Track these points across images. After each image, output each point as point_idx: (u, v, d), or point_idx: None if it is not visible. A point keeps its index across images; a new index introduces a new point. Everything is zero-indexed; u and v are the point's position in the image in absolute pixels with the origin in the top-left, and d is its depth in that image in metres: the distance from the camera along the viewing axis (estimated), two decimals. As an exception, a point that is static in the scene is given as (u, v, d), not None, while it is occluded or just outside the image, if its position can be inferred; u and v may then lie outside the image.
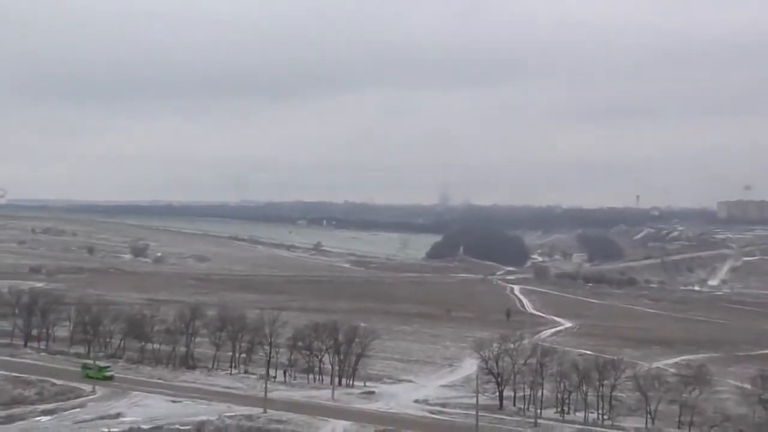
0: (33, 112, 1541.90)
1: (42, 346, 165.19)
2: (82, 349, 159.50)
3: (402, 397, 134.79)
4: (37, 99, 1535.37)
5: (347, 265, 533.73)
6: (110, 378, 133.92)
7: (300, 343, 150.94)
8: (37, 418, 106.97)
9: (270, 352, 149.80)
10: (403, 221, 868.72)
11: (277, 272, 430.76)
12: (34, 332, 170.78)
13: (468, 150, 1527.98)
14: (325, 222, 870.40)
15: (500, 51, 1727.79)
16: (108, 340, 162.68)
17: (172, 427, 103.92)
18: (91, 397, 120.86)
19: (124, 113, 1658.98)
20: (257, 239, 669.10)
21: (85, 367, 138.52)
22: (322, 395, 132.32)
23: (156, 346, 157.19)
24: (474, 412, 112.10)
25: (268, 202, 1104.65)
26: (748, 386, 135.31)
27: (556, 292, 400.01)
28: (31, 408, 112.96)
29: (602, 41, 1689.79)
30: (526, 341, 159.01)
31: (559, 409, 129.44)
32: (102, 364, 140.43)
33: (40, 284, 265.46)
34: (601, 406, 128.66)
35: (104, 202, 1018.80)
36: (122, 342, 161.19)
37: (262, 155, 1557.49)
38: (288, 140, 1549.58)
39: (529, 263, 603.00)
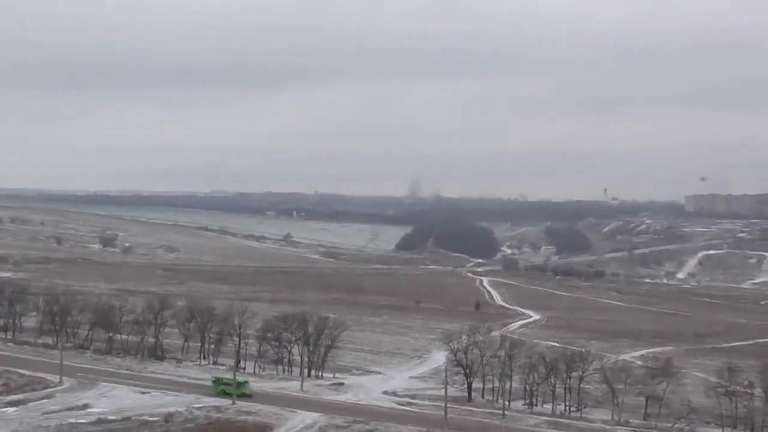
0: (1, 100, 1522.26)
1: (9, 337, 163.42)
2: (49, 340, 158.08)
3: (371, 388, 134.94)
4: (5, 86, 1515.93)
5: (317, 257, 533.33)
6: (249, 396, 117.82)
7: (269, 335, 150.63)
8: (4, 409, 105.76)
9: (239, 344, 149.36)
10: (373, 212, 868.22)
11: (247, 263, 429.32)
12: (1, 322, 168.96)
13: (439, 142, 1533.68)
14: (294, 213, 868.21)
15: (472, 43, 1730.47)
16: (76, 330, 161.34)
17: (140, 418, 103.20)
18: (58, 388, 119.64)
19: (96, 102, 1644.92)
20: (227, 230, 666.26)
21: (218, 381, 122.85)
22: (292, 386, 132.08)
23: (124, 336, 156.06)
24: (443, 404, 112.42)
25: (238, 193, 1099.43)
26: (713, 378, 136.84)
27: (524, 285, 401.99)
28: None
29: (572, 34, 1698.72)
30: (494, 333, 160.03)
31: (527, 401, 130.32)
32: (240, 378, 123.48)
33: (6, 274, 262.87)
34: (568, 397, 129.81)
35: (73, 191, 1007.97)
36: (90, 332, 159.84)
37: (234, 145, 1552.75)
38: (260, 131, 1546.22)
39: (498, 255, 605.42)
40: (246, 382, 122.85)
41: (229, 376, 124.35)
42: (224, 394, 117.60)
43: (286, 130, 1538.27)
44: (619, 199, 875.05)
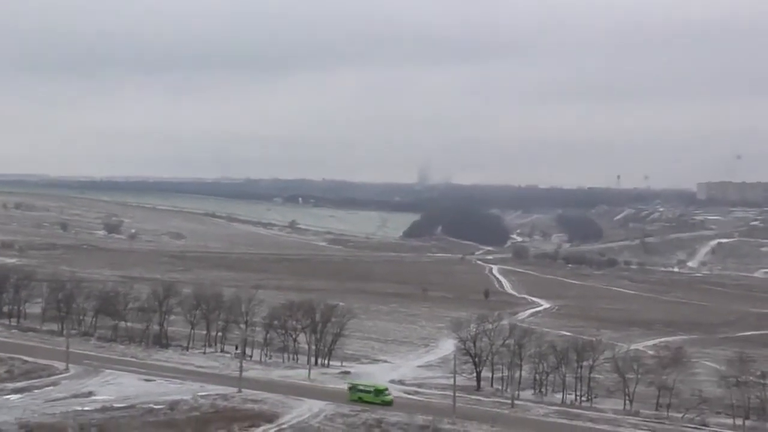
0: (7, 84, 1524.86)
1: (13, 323, 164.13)
2: (54, 327, 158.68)
3: (378, 377, 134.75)
4: (13, 71, 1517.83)
5: (324, 244, 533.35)
6: (390, 403, 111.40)
7: (276, 322, 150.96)
8: (7, 397, 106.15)
9: (246, 331, 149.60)
10: (381, 200, 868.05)
11: (254, 250, 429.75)
12: (5, 309, 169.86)
13: (450, 129, 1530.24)
14: (301, 200, 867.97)
15: (482, 30, 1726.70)
16: (81, 317, 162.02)
17: (145, 406, 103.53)
18: (63, 375, 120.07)
19: (103, 87, 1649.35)
20: (234, 216, 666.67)
21: (355, 388, 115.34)
22: (298, 375, 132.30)
23: (129, 324, 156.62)
24: (451, 393, 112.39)
25: (246, 179, 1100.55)
26: (725, 368, 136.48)
27: (535, 273, 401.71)
28: (1, 386, 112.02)
29: (586, 20, 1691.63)
30: (504, 322, 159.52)
31: (536, 390, 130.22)
32: (380, 385, 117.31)
33: (11, 260, 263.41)
34: (579, 387, 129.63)
35: (78, 177, 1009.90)
36: (95, 319, 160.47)
37: (241, 132, 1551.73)
38: (268, 117, 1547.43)
39: (508, 243, 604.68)
40: (386, 389, 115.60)
41: (366, 382, 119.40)
42: (361, 401, 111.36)
43: (295, 117, 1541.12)
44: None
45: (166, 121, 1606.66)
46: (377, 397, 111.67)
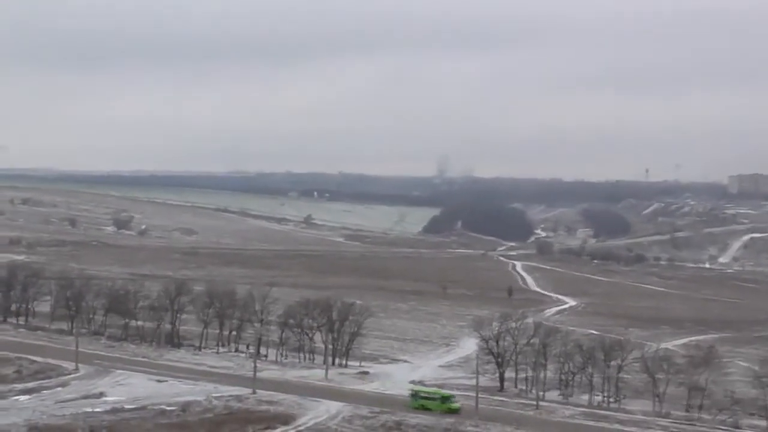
0: (12, 77, 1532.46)
1: (21, 322, 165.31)
2: (64, 326, 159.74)
3: (398, 377, 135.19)
4: (17, 64, 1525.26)
5: (341, 240, 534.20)
6: (457, 411, 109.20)
7: (291, 321, 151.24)
8: (16, 398, 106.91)
9: (260, 330, 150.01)
10: (400, 194, 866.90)
11: (268, 246, 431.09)
12: (13, 307, 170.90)
13: (469, 119, 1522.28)
14: (316, 194, 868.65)
15: (505, 15, 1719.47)
16: (90, 316, 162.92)
17: (156, 407, 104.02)
18: (72, 375, 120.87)
19: (109, 79, 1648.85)
20: (247, 211, 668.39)
21: (417, 395, 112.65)
22: (315, 375, 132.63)
23: (140, 323, 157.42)
24: (473, 394, 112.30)
25: (259, 173, 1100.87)
26: (759, 368, 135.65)
27: (560, 269, 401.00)
28: (9, 387, 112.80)
29: (614, 6, 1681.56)
30: (528, 320, 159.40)
31: (562, 392, 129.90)
32: (444, 392, 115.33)
33: (19, 257, 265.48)
34: (606, 388, 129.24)
35: (86, 171, 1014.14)
36: (105, 318, 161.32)
37: (254, 124, 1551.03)
38: (281, 108, 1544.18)
39: (532, 239, 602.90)
40: (452, 395, 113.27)
41: (429, 389, 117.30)
42: (424, 409, 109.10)
43: (309, 108, 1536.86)
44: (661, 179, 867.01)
45: (176, 114, 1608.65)
46: (443, 405, 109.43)
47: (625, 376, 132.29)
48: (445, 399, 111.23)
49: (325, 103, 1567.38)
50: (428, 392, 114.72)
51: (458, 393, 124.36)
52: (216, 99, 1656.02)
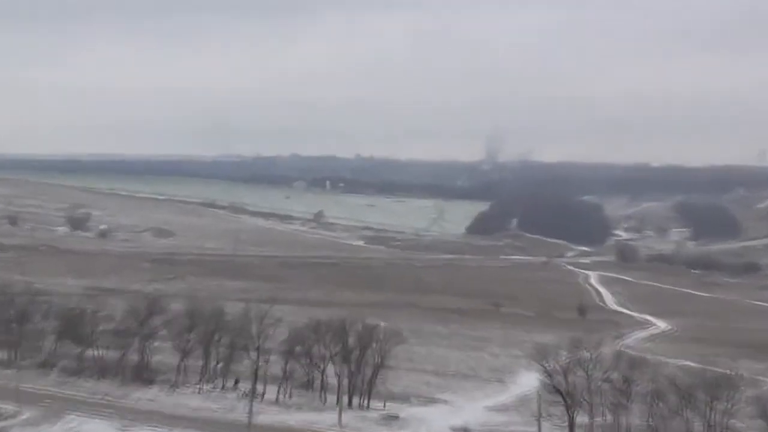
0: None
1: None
2: (3, 355, 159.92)
3: (435, 423, 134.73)
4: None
5: (361, 243, 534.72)
6: None
7: (297, 349, 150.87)
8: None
9: (257, 361, 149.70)
10: (437, 183, 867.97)
11: (267, 252, 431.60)
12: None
13: (527, 89, 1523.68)
14: (329, 184, 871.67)
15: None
16: (37, 343, 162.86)
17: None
18: (12, 420, 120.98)
19: (66, 39, 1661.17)
20: (240, 207, 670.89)
21: None
22: (327, 420, 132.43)
23: (101, 352, 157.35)
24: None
25: (256, 157, 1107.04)
26: None
27: (647, 282, 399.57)
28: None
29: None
30: (606, 349, 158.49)
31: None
32: None
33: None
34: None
35: (32, 155, 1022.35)
36: (56, 346, 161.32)
37: (252, 94, 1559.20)
38: (286, 74, 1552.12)
39: (610, 241, 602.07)
40: None
41: None
42: None
43: (320, 74, 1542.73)
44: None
45: (150, 82, 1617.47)
46: None
47: (738, 423, 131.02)
48: None
49: (340, 68, 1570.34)
50: None
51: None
52: (203, 62, 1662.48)
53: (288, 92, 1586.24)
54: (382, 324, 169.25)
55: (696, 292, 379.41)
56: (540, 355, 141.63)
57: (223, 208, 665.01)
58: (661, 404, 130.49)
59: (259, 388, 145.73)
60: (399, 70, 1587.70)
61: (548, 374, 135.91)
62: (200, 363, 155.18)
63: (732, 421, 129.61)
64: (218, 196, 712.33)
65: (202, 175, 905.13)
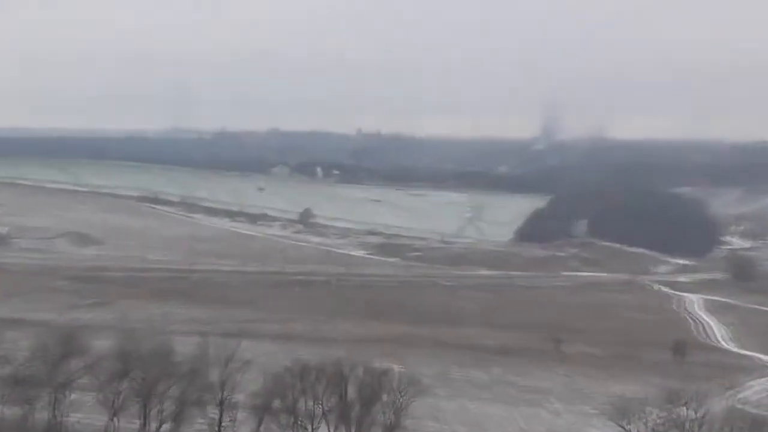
0: None
1: None
2: None
3: None
4: None
5: (363, 254, 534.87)
6: None
7: (277, 403, 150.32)
8: None
9: (219, 421, 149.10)
10: (472, 170, 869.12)
11: (234, 266, 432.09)
12: None
13: (591, 46, 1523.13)
14: (320, 170, 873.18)
15: None
16: None
17: None
18: None
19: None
20: (196, 202, 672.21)
21: None
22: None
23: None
24: None
25: (219, 132, 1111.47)
26: None
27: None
28: None
29: None
30: (715, 405, 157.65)
31: None
32: None
33: None
34: None
35: None
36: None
37: (209, 47, 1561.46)
38: (258, 23, 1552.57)
39: (719, 252, 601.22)
40: None
41: None
42: None
43: (303, 22, 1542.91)
44: None
45: (76, 31, 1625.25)
46: None
47: None
48: None
49: (330, 13, 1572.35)
50: None
51: None
52: (145, 7, 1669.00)
53: (262, 48, 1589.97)
54: (396, 368, 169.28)
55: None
56: (620, 414, 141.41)
57: (171, 204, 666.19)
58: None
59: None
60: (408, 20, 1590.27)
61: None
62: (136, 424, 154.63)
63: None
64: (165, 187, 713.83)
65: (143, 158, 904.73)
